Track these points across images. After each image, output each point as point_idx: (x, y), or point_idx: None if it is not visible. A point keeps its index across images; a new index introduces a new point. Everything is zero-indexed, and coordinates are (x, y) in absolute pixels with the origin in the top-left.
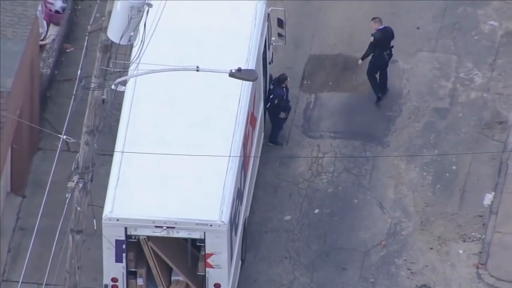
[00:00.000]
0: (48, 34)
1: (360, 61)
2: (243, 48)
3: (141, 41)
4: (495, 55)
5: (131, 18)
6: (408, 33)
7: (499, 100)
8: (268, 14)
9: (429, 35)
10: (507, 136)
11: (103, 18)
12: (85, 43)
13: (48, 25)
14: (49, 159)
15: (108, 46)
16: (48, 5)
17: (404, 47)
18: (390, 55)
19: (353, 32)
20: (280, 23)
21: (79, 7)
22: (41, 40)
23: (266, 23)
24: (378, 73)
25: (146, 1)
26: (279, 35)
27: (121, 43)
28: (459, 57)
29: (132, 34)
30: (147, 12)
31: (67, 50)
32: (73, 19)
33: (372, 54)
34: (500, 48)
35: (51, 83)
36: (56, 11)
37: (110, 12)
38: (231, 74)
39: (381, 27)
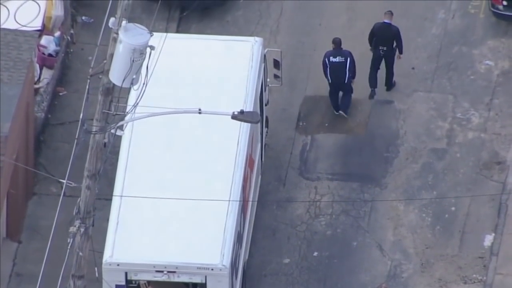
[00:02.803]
0: (42, 77)
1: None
2: (241, 89)
3: (144, 84)
4: (492, 95)
5: (133, 60)
6: (404, 73)
7: (497, 140)
8: (264, 55)
9: (425, 75)
10: (506, 177)
11: (105, 61)
12: (87, 86)
13: (41, 69)
14: (44, 204)
15: (110, 89)
16: (41, 48)
17: (399, 87)
18: (388, 53)
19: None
20: (276, 64)
21: (72, 50)
22: (35, 83)
23: (263, 64)
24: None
25: (149, 43)
26: (275, 76)
27: (123, 86)
28: (456, 97)
29: (134, 76)
30: (150, 54)
31: (60, 94)
32: (66, 63)
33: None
34: (497, 88)
35: (45, 127)
36: (50, 55)
37: (112, 55)
38: (234, 117)
39: (387, 21)
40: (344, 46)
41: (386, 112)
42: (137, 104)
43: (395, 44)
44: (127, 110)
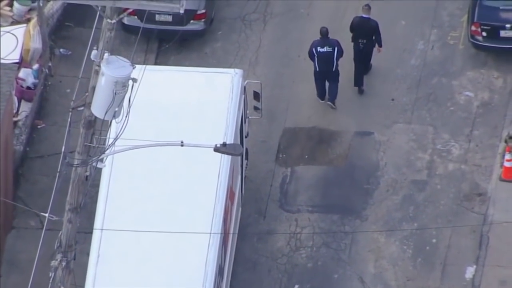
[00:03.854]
0: (20, 110)
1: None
2: (221, 121)
3: (126, 116)
4: (472, 126)
5: (115, 93)
6: (383, 104)
7: (477, 171)
8: (244, 87)
9: (405, 106)
10: (487, 208)
11: (87, 94)
12: (69, 119)
13: (19, 102)
14: (23, 238)
15: (92, 122)
16: (19, 81)
17: (379, 119)
18: (368, 45)
19: (327, 104)
20: (256, 96)
21: (50, 83)
22: (13, 116)
23: (243, 96)
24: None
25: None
26: (255, 108)
27: (105, 118)
28: (436, 129)
29: (116, 109)
30: (132, 87)
31: (39, 127)
32: (44, 95)
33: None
34: (477, 119)
35: (24, 160)
36: (28, 87)
37: (93, 88)
38: (216, 149)
39: (365, 16)
40: None
41: (366, 144)
42: (119, 136)
43: (374, 37)
44: (108, 143)
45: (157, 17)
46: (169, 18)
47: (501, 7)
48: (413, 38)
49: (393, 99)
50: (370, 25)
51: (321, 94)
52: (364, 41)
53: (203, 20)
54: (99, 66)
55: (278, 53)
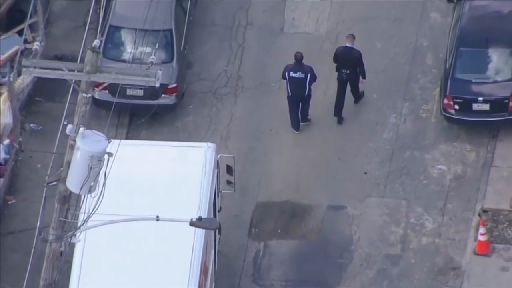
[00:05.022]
0: None
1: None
2: (195, 196)
3: (101, 191)
4: (445, 200)
5: (91, 167)
6: (356, 178)
7: (451, 245)
8: (217, 161)
9: (377, 180)
10: (461, 282)
11: (62, 169)
12: (44, 194)
13: None
14: None
15: (67, 197)
16: None
17: (352, 192)
18: (351, 75)
19: (299, 178)
20: (229, 170)
21: (20, 158)
22: None
23: (216, 170)
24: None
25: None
26: (228, 182)
27: (81, 193)
28: (409, 202)
29: (92, 184)
30: (108, 161)
31: (9, 202)
32: (14, 171)
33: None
34: (450, 192)
35: None
36: None
37: (68, 162)
38: (192, 223)
39: (349, 45)
40: (295, 152)
41: (339, 218)
42: (95, 211)
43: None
44: (83, 218)
45: (128, 91)
46: (140, 92)
47: (473, 80)
48: (385, 111)
49: (365, 173)
50: (352, 55)
51: (295, 124)
52: (348, 71)
53: (174, 94)
54: (74, 140)
55: (250, 127)
